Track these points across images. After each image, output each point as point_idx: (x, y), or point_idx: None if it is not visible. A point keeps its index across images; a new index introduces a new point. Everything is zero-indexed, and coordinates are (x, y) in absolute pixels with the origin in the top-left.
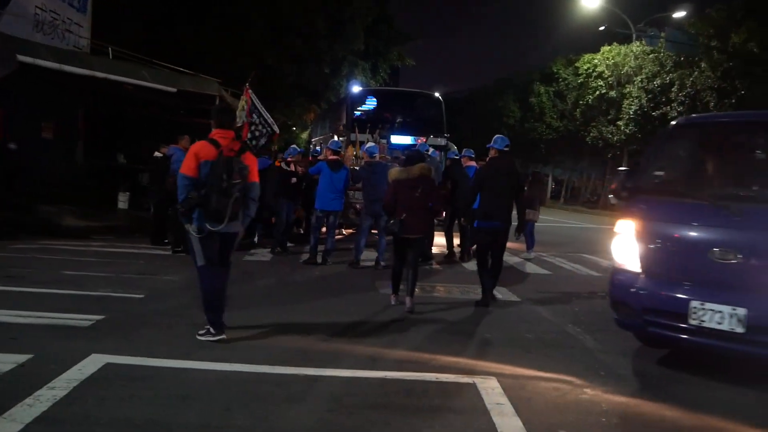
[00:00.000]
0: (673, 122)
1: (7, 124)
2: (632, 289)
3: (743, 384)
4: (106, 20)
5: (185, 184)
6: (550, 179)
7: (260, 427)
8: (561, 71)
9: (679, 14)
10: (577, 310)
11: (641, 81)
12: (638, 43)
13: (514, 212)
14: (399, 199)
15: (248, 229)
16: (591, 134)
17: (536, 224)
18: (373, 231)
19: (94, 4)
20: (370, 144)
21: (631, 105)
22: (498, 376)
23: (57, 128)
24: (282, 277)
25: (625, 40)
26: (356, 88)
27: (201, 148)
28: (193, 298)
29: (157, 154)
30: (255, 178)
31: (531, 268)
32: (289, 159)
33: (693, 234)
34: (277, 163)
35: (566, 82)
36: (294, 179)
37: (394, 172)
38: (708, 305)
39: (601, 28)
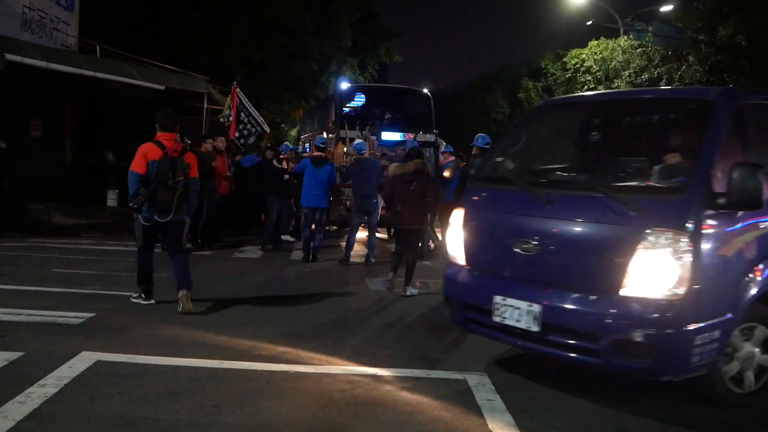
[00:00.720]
0: (535, 105)
1: None
2: (455, 283)
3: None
4: (94, 18)
5: (135, 181)
6: None
7: (251, 424)
8: (549, 66)
9: (666, 8)
10: None
11: (629, 75)
12: (626, 38)
13: None
14: (396, 193)
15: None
16: None
17: None
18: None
19: (82, 2)
20: (358, 141)
21: None
22: (489, 372)
23: (45, 126)
24: (271, 274)
25: (613, 34)
26: (344, 85)
27: (149, 150)
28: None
29: None
30: (195, 173)
31: None
32: (281, 156)
33: (502, 223)
34: (272, 155)
35: (554, 77)
36: (286, 176)
37: (393, 167)
38: (509, 301)
39: (589, 22)
